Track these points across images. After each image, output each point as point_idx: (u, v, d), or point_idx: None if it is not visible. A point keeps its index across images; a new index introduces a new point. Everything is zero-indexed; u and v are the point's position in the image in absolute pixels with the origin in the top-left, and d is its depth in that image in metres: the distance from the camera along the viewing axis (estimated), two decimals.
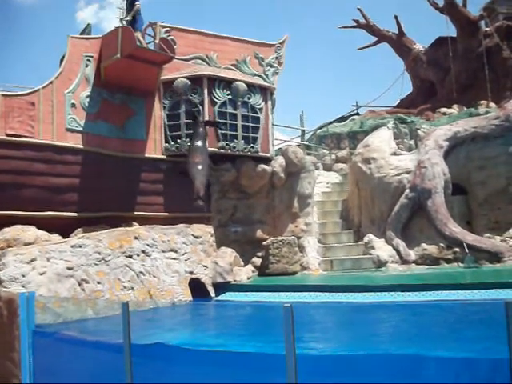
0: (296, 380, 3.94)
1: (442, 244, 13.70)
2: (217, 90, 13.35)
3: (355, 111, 24.78)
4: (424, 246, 13.88)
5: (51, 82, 11.78)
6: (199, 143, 12.43)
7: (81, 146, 11.90)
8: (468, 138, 15.14)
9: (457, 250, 13.44)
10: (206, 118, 13.01)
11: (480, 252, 13.18)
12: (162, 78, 13.17)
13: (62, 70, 11.96)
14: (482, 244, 13.40)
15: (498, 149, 14.85)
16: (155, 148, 13.10)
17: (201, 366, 4.79)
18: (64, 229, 11.11)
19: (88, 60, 12.28)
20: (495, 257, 13.09)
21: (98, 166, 11.88)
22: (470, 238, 13.57)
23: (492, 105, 17.58)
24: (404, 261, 13.77)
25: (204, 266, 10.82)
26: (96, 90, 12.32)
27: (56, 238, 10.66)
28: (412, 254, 13.87)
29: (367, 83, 56.11)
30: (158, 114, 13.27)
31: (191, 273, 10.12)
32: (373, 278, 12.10)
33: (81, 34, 13.40)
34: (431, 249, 13.73)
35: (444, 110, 19.10)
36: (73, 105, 11.97)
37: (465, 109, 18.12)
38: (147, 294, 9.37)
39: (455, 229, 13.77)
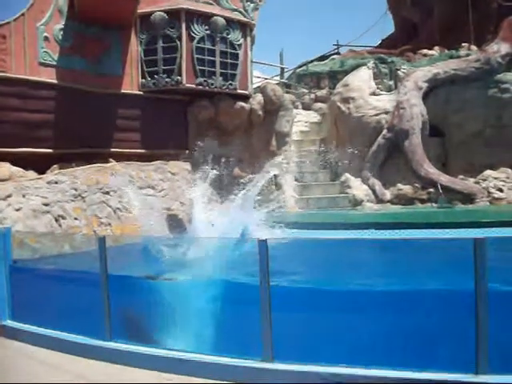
0: (270, 310, 4.06)
1: (416, 184, 13.94)
2: (195, 25, 13.02)
3: (336, 50, 24.43)
4: (399, 186, 14.10)
5: (23, 14, 11.37)
6: None
7: (55, 81, 11.63)
8: (447, 80, 15.14)
9: (431, 190, 13.70)
10: None
11: (453, 193, 13.47)
12: (138, 11, 12.76)
13: (34, 2, 11.53)
14: (456, 185, 13.66)
15: (477, 92, 14.90)
16: (131, 84, 12.86)
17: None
18: (39, 165, 10.99)
19: None
20: (468, 198, 13.39)
21: (73, 102, 11.64)
22: (444, 179, 13.80)
23: (473, 48, 17.43)
24: (379, 200, 14.02)
25: (181, 202, 10.88)
26: (70, 23, 11.92)
27: (31, 174, 10.55)
28: (387, 194, 14.10)
29: (349, 22, 55.24)
30: (135, 48, 12.95)
31: (168, 209, 10.17)
32: (348, 216, 12.30)
33: None
34: (406, 189, 13.96)
35: (425, 51, 18.90)
36: (46, 38, 11.61)
37: (446, 51, 17.98)
38: (124, 230, 9.42)
39: (430, 170, 13.97)
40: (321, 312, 4.34)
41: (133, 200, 9.05)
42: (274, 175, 13.69)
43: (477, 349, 3.69)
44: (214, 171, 9.67)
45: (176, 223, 8.49)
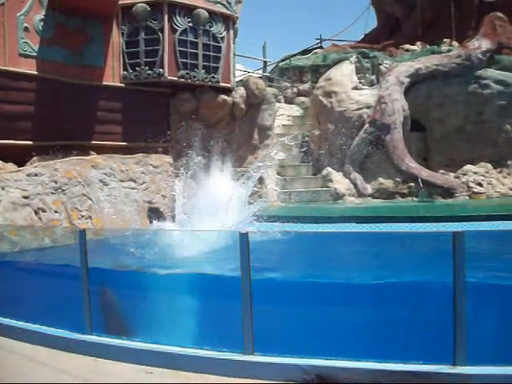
0: (251, 304, 4.08)
1: (398, 179, 14.05)
2: (177, 17, 12.93)
3: (319, 45, 24.45)
4: (381, 180, 14.19)
5: (2, 4, 11.15)
6: None
7: (35, 72, 11.46)
8: (429, 75, 15.22)
9: (412, 184, 13.83)
10: None
11: (434, 187, 13.60)
12: (120, 2, 12.61)
13: None
14: (436, 180, 13.79)
15: (458, 87, 15.01)
16: (113, 76, 12.73)
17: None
18: (19, 157, 10.83)
19: None
20: (448, 192, 13.53)
21: (54, 93, 11.50)
22: (425, 173, 13.92)
23: (455, 43, 17.54)
24: (361, 194, 14.11)
25: (163, 195, 10.84)
26: (50, 14, 11.73)
27: (11, 166, 10.42)
28: (369, 188, 14.19)
29: (332, 17, 55.33)
30: (116, 40, 12.81)
31: (150, 202, 10.13)
32: (330, 210, 12.35)
33: None
34: (387, 183, 14.06)
35: (407, 46, 18.99)
36: (26, 28, 11.42)
37: (428, 46, 18.08)
38: (105, 223, 9.36)
39: (411, 164, 14.08)
40: (301, 305, 4.37)
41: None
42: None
43: (455, 340, 3.74)
44: (200, 157, 9.65)
45: (157, 216, 8.48)
